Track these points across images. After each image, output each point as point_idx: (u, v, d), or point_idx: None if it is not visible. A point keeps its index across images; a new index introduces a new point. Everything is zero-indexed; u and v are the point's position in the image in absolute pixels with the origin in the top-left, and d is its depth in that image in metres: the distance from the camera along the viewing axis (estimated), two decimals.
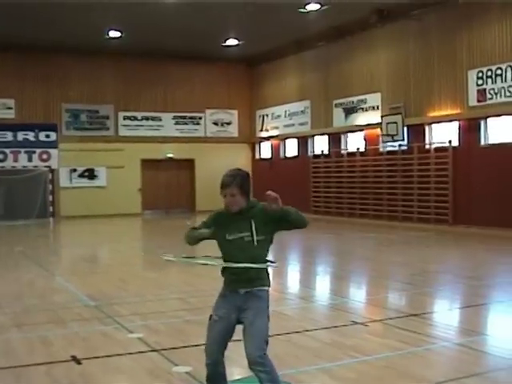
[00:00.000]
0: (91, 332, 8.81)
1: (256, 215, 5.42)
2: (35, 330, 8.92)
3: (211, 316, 5.53)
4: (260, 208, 5.44)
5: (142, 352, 7.71)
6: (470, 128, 21.84)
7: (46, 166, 30.61)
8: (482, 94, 21.16)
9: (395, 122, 24.15)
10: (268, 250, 5.52)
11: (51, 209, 30.56)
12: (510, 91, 20.24)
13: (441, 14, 22.73)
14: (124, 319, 9.41)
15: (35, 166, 30.46)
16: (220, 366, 5.53)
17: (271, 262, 5.56)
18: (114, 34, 27.42)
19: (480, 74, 21.20)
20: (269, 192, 5.23)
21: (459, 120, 22.21)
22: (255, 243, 5.38)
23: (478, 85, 21.29)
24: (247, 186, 5.46)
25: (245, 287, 5.45)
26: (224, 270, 5.54)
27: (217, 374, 5.56)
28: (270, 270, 5.56)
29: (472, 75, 21.48)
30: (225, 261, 5.49)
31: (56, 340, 8.37)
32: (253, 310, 5.38)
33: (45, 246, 21.87)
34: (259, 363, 5.22)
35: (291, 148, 31.83)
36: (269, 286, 5.56)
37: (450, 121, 22.54)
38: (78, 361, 7.32)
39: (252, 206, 5.47)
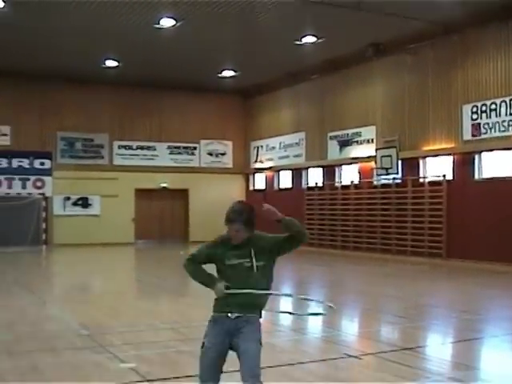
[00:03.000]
0: (83, 361, 8.74)
1: (255, 243, 5.47)
2: (26, 359, 8.85)
3: (203, 344, 5.51)
4: (259, 235, 5.51)
5: (134, 382, 7.65)
6: (465, 162, 21.91)
7: (40, 194, 30.59)
8: (476, 128, 21.27)
9: (389, 156, 24.21)
10: (270, 278, 5.60)
11: (44, 236, 30.48)
12: (504, 126, 20.35)
13: (436, 48, 22.91)
14: (116, 349, 9.35)
15: (29, 193, 30.43)
16: None
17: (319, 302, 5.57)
18: (110, 63, 27.51)
19: (474, 109, 21.32)
20: (265, 207, 5.37)
21: (453, 154, 22.30)
22: (255, 269, 5.43)
23: (472, 119, 21.41)
24: (252, 221, 5.51)
25: (236, 312, 5.45)
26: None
27: None
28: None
29: (467, 110, 21.61)
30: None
31: (47, 369, 8.29)
32: (245, 335, 5.40)
33: (37, 273, 21.77)
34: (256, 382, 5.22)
35: (285, 180, 31.87)
36: (260, 315, 5.59)
37: (445, 155, 22.62)
38: None
39: (252, 236, 5.50)
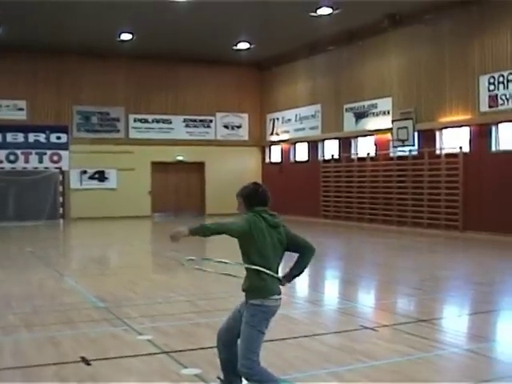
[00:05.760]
0: (100, 333, 8.82)
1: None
2: (44, 331, 8.95)
3: None
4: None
5: (151, 354, 7.72)
6: (481, 134, 21.77)
7: (56, 168, 30.70)
8: (493, 99, 21.10)
9: (406, 127, 24.10)
10: (251, 259, 5.71)
11: (61, 210, 30.62)
12: None
13: (453, 19, 22.66)
14: (133, 321, 9.43)
15: (46, 168, 30.56)
16: (225, 350, 5.79)
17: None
18: (125, 36, 27.45)
19: (492, 80, 21.13)
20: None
21: (470, 126, 22.14)
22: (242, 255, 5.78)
23: (489, 90, 21.23)
24: (252, 200, 5.78)
25: (245, 296, 5.76)
26: None
27: (224, 359, 5.84)
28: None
29: (483, 81, 21.42)
30: None
31: (65, 341, 8.38)
32: (243, 320, 5.63)
33: (55, 247, 21.89)
34: (243, 372, 5.51)
35: (301, 152, 31.79)
36: (261, 297, 5.63)
37: (461, 126, 22.47)
38: (87, 362, 7.33)
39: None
